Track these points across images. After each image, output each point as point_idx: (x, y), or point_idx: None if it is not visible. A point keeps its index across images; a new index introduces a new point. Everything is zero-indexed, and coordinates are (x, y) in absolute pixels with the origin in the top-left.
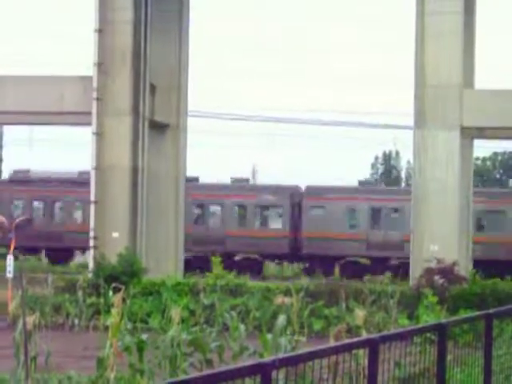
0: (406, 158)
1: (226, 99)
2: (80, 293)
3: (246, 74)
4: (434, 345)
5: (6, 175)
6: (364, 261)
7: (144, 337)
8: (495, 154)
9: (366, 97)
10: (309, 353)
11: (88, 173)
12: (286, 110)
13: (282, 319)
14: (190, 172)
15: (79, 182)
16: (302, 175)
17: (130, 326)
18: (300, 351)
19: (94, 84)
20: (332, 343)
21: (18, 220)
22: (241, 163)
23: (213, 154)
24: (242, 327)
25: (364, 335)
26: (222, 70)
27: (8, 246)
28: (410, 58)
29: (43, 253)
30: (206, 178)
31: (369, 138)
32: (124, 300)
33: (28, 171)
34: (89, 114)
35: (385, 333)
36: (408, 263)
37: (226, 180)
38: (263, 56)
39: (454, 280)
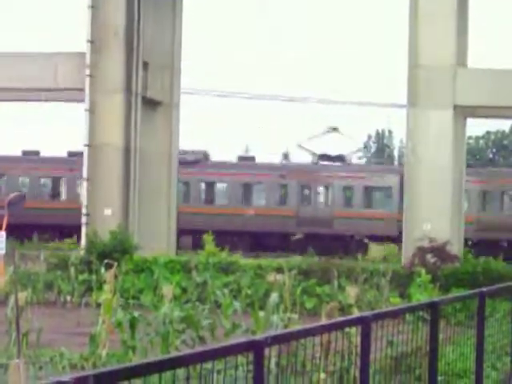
0: (398, 137)
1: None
2: (72, 269)
3: (238, 51)
4: (427, 323)
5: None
6: None
7: (136, 314)
8: (488, 132)
9: (359, 75)
10: (301, 330)
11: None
12: (277, 88)
13: (274, 297)
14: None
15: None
16: (294, 154)
17: (122, 302)
18: (292, 329)
19: (87, 61)
20: (324, 321)
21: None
22: (233, 141)
23: (203, 132)
24: (236, 304)
25: (356, 313)
26: (216, 47)
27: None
28: (404, 36)
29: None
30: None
31: (362, 117)
32: (116, 277)
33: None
34: (82, 90)
35: (377, 311)
36: None
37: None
38: (255, 34)
39: (447, 259)
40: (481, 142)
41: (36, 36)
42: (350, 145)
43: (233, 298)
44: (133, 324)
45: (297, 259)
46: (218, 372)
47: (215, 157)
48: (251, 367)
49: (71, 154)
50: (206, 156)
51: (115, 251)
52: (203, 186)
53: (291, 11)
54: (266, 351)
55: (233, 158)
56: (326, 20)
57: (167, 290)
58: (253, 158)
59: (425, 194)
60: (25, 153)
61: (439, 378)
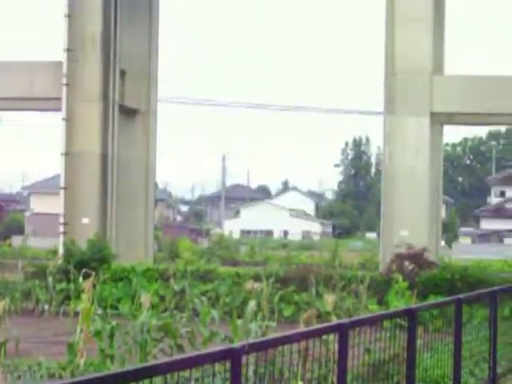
0: (376, 144)
1: (196, 85)
2: (50, 278)
3: (217, 61)
4: (404, 330)
5: None
6: None
7: (114, 322)
8: (465, 139)
9: (336, 83)
10: (278, 338)
11: None
12: (256, 97)
13: (252, 305)
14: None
15: None
16: (271, 161)
17: (100, 311)
18: (270, 336)
19: (64, 70)
20: (302, 328)
21: None
22: (210, 148)
23: (182, 140)
24: (214, 313)
25: (334, 321)
26: (193, 55)
27: None
28: (380, 43)
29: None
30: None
31: (339, 124)
32: (94, 286)
33: None
34: (59, 99)
35: (355, 318)
36: None
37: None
38: (232, 45)
39: (424, 265)
40: (458, 148)
41: (12, 45)
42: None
43: (211, 306)
44: (111, 333)
45: (274, 267)
46: (196, 380)
47: None
48: (229, 375)
49: None
50: None
51: (93, 260)
52: None
53: (269, 17)
54: (244, 359)
55: None
56: (302, 28)
57: (145, 298)
58: None
59: (402, 201)
60: None
61: None
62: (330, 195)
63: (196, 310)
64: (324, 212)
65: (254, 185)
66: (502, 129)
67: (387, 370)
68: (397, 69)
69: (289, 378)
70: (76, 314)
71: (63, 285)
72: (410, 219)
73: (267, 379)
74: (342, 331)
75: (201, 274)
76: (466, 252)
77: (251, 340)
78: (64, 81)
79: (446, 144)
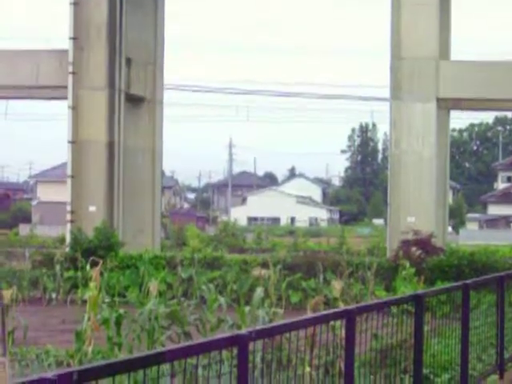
0: (382, 130)
1: (204, 72)
2: (57, 267)
3: (223, 48)
4: (411, 316)
5: None
6: None
7: (121, 310)
8: (472, 125)
9: (343, 69)
10: (286, 324)
11: None
12: (262, 83)
13: (259, 291)
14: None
15: None
16: (278, 147)
17: (107, 299)
18: (276, 323)
19: (70, 58)
20: (309, 315)
21: None
22: (217, 136)
23: (189, 127)
24: (221, 299)
25: (341, 307)
26: (200, 43)
27: None
28: (386, 30)
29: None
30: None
31: (346, 110)
32: (101, 274)
33: None
34: (65, 87)
35: (362, 304)
36: None
37: None
38: (240, 31)
39: (431, 251)
40: (464, 134)
41: (17, 33)
42: None
43: (218, 294)
44: (118, 321)
45: (282, 254)
46: (203, 367)
47: None
48: (236, 362)
49: None
50: None
51: (100, 248)
52: None
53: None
54: (251, 346)
55: None
56: (310, 13)
57: (152, 286)
58: None
59: (409, 187)
60: None
61: (424, 370)
62: (336, 182)
63: (203, 297)
64: (331, 198)
65: (260, 172)
66: (509, 114)
67: (394, 355)
68: (403, 54)
69: (296, 364)
70: (84, 302)
71: (70, 273)
72: (417, 205)
73: (274, 365)
74: (350, 317)
75: (208, 261)
76: (473, 238)
77: (258, 326)
78: (70, 69)
79: (453, 130)
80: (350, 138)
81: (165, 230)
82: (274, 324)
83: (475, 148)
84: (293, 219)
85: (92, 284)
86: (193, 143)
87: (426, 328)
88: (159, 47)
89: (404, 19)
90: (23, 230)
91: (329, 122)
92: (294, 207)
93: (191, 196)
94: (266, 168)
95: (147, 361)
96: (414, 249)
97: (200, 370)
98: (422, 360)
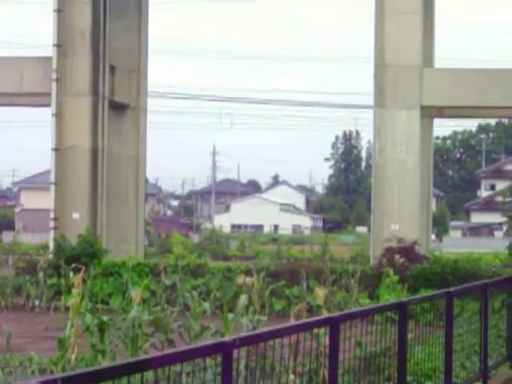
0: (366, 138)
1: (187, 79)
2: (41, 274)
3: (207, 54)
4: (395, 324)
5: None
6: None
7: (105, 317)
8: (455, 133)
9: (326, 77)
10: (269, 331)
11: None
12: (245, 91)
13: (243, 299)
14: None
15: None
16: (261, 155)
17: (90, 306)
18: (260, 330)
19: (54, 65)
20: (292, 322)
21: None
22: (201, 143)
23: (172, 135)
24: (206, 305)
25: (325, 315)
26: (182, 49)
27: None
28: (370, 37)
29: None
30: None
31: (329, 118)
32: (85, 281)
33: None
34: (49, 94)
35: (345, 311)
36: None
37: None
38: (224, 36)
39: (415, 259)
40: (448, 142)
41: (1, 40)
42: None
43: (202, 301)
44: (102, 328)
45: (265, 261)
46: (187, 374)
47: None
48: (220, 369)
49: None
50: None
51: (84, 255)
52: None
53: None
54: (235, 353)
55: None
56: (293, 21)
57: (136, 293)
58: None
59: (393, 195)
60: None
61: (408, 378)
62: (320, 189)
63: (187, 304)
64: (314, 206)
65: (244, 179)
66: (492, 122)
67: (378, 363)
68: (386, 62)
69: (280, 371)
70: (67, 309)
71: (54, 280)
72: (401, 213)
73: (258, 373)
74: (333, 325)
75: (192, 268)
76: (456, 245)
77: (242, 334)
78: (54, 76)
79: (436, 137)
80: (334, 145)
81: (148, 237)
82: (258, 331)
83: (458, 156)
84: (276, 227)
85: (75, 291)
86: (176, 150)
87: (409, 336)
88: (143, 54)
89: (387, 27)
90: (6, 237)
91: (312, 130)
92: (277, 215)
93: (175, 203)
94: (250, 175)
95: (131, 368)
96: (397, 256)
97: (184, 378)
98: (405, 368)
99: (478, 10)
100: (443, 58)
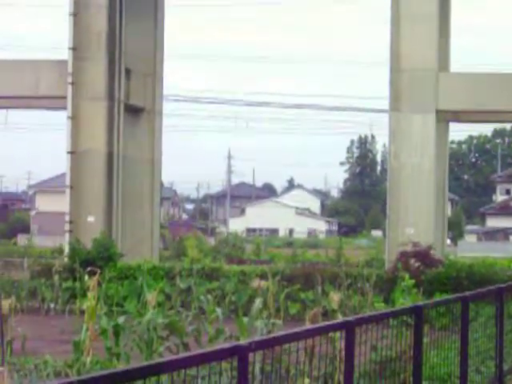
0: (381, 142)
1: (202, 82)
2: (56, 277)
3: (223, 58)
4: (411, 328)
5: None
6: None
7: (120, 321)
8: (471, 137)
9: (343, 80)
10: (285, 335)
11: None
12: (261, 94)
13: (258, 303)
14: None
15: None
16: (276, 158)
17: (105, 309)
18: (276, 334)
19: (69, 68)
20: (308, 326)
21: None
22: (216, 147)
23: (188, 138)
24: (218, 310)
25: (340, 319)
26: (199, 53)
27: None
28: (386, 41)
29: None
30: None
31: (345, 122)
32: (100, 284)
33: None
34: (64, 98)
35: (361, 315)
36: None
37: None
38: (238, 41)
39: (430, 263)
40: (463, 146)
41: (18, 43)
42: None
43: (217, 305)
44: (117, 331)
45: (280, 265)
46: (203, 378)
47: None
48: (235, 373)
49: None
50: None
51: (99, 258)
52: None
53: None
54: (250, 357)
55: None
56: (308, 24)
57: (151, 296)
58: None
59: (408, 199)
60: None
61: (424, 383)
62: (335, 193)
63: (202, 308)
64: (329, 210)
65: (259, 183)
66: (508, 126)
67: (394, 367)
68: (402, 66)
69: (295, 375)
70: (82, 312)
71: (69, 283)
72: (416, 217)
73: (274, 377)
74: (349, 329)
75: (207, 272)
76: (471, 250)
77: (257, 337)
78: (69, 79)
79: (452, 142)
80: (349, 149)
81: (163, 240)
82: (274, 335)
83: (474, 160)
84: (291, 231)
85: (90, 294)
86: (192, 154)
87: (425, 340)
88: (159, 58)
89: (403, 31)
90: (22, 240)
91: (328, 134)
92: (292, 219)
93: (190, 207)
94: (265, 179)
95: (146, 371)
96: (412, 260)
97: (199, 381)
98: (421, 372)
99: (494, 14)
100: (459, 61)
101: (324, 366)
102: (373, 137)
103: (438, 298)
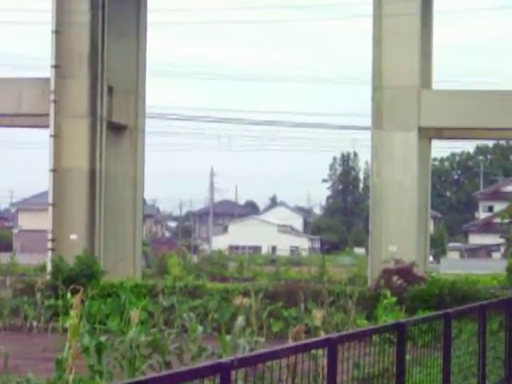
0: (364, 159)
1: (186, 100)
2: (38, 295)
3: (205, 76)
4: (393, 345)
5: None
6: None
7: (103, 338)
8: (453, 154)
9: (325, 98)
10: (267, 353)
11: None
12: (243, 112)
13: (240, 320)
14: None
15: None
16: (259, 176)
17: (88, 327)
18: (258, 351)
19: (52, 86)
20: (290, 344)
21: None
22: (198, 164)
23: (171, 156)
24: (199, 328)
25: (322, 336)
26: (181, 71)
27: None
28: (367, 58)
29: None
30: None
31: (327, 139)
32: (82, 302)
33: None
34: (47, 116)
35: (343, 333)
36: None
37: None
38: (222, 59)
39: (413, 280)
40: (446, 163)
41: (0, 61)
42: None
43: (199, 322)
44: (99, 349)
45: (263, 282)
46: None
47: None
48: None
49: None
50: None
51: (82, 276)
52: None
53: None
54: (233, 374)
55: None
56: (289, 41)
57: (134, 314)
58: None
59: (390, 216)
60: None
61: None
62: (318, 210)
63: (185, 325)
64: (312, 227)
65: (241, 200)
66: (490, 144)
67: None
68: (384, 83)
69: None
70: (65, 330)
71: (51, 301)
72: (398, 234)
73: None
74: (331, 346)
75: (189, 289)
76: (454, 267)
77: (240, 355)
78: (52, 97)
79: (434, 159)
80: (332, 166)
81: (146, 258)
82: (256, 352)
83: (456, 177)
84: (274, 248)
85: (73, 312)
86: (174, 171)
87: (407, 357)
88: (141, 75)
89: (385, 48)
90: (4, 258)
91: (310, 151)
92: (275, 236)
93: (172, 224)
94: (248, 196)
95: None
96: (395, 278)
97: None
98: None
99: (477, 30)
100: (441, 79)
101: (306, 383)
102: (355, 154)
103: (420, 315)
